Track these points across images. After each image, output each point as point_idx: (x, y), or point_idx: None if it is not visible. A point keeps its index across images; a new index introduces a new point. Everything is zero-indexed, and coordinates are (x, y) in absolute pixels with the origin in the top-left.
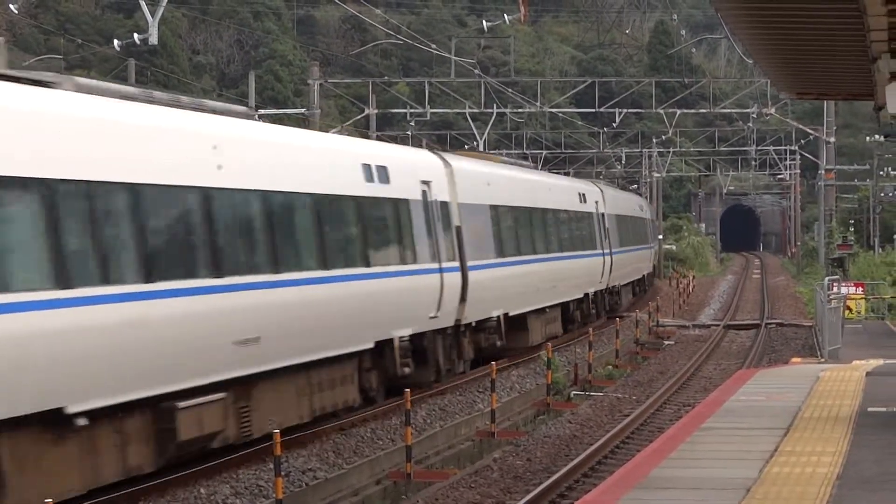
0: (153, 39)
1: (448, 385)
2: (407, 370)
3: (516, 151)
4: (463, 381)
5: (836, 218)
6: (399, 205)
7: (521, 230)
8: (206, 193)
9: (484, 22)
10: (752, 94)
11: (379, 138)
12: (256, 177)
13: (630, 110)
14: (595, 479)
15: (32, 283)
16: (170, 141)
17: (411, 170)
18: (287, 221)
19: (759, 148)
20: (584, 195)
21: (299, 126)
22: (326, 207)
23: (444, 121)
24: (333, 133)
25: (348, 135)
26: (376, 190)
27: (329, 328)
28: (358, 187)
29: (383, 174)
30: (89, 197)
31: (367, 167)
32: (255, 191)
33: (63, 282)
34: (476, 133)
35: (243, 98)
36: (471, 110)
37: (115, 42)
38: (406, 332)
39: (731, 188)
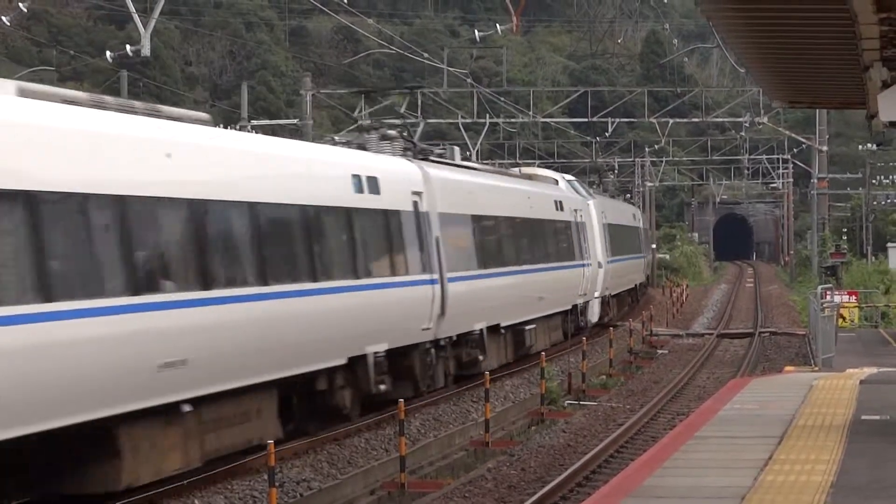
0: (146, 51)
1: (442, 395)
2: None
3: (509, 161)
4: (457, 391)
5: (829, 226)
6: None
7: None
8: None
9: (476, 32)
10: (744, 104)
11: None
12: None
13: (623, 120)
14: (589, 489)
15: None
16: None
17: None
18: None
19: (751, 157)
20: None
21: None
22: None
23: (436, 130)
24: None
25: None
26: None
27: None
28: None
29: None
30: None
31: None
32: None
33: None
34: (469, 143)
35: (235, 109)
36: (463, 120)
37: (108, 54)
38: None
39: (724, 197)
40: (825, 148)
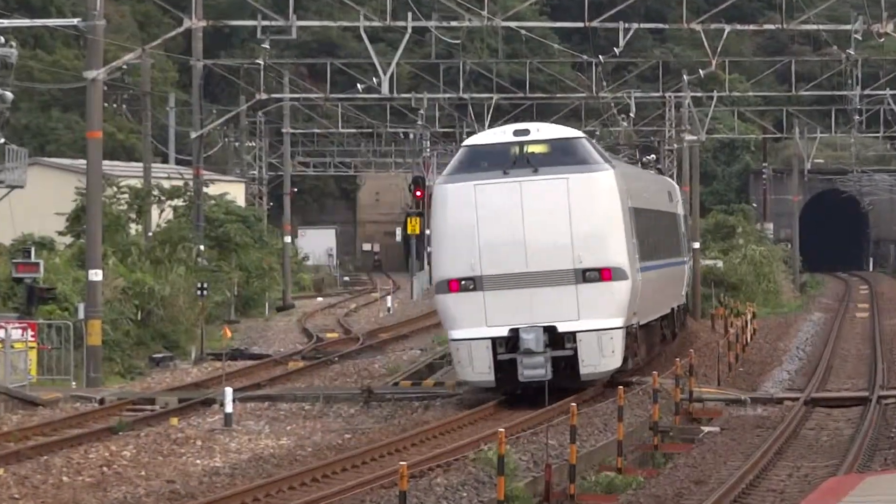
0: None
1: None
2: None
3: (448, 95)
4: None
5: None
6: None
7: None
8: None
9: None
10: (853, 2)
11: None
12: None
13: (644, 26)
14: None
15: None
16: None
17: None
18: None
19: (866, 93)
20: None
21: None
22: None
23: (321, 41)
24: None
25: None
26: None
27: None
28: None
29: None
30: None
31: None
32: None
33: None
34: (378, 63)
35: None
36: (369, 23)
37: None
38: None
39: (820, 162)
40: None
